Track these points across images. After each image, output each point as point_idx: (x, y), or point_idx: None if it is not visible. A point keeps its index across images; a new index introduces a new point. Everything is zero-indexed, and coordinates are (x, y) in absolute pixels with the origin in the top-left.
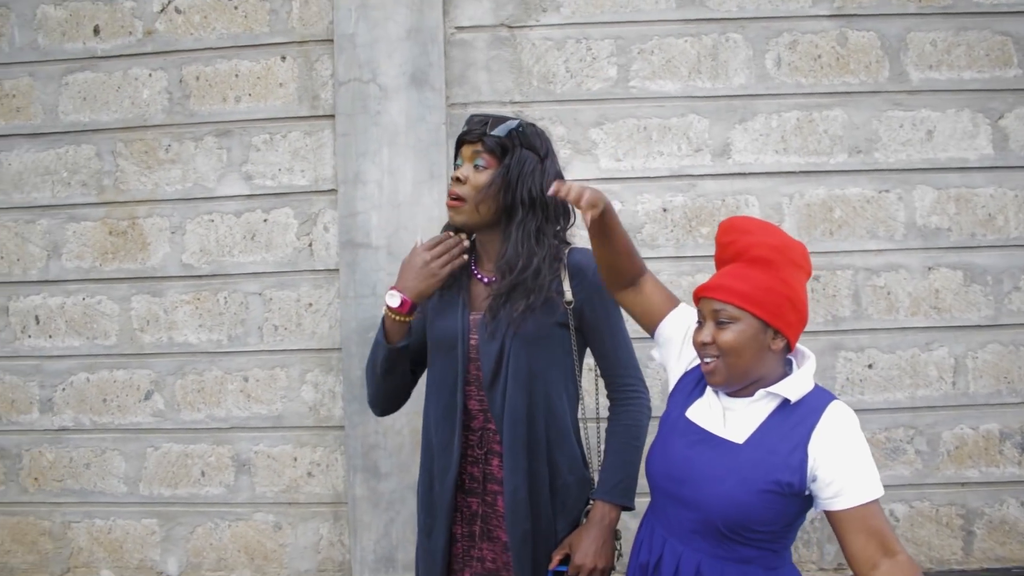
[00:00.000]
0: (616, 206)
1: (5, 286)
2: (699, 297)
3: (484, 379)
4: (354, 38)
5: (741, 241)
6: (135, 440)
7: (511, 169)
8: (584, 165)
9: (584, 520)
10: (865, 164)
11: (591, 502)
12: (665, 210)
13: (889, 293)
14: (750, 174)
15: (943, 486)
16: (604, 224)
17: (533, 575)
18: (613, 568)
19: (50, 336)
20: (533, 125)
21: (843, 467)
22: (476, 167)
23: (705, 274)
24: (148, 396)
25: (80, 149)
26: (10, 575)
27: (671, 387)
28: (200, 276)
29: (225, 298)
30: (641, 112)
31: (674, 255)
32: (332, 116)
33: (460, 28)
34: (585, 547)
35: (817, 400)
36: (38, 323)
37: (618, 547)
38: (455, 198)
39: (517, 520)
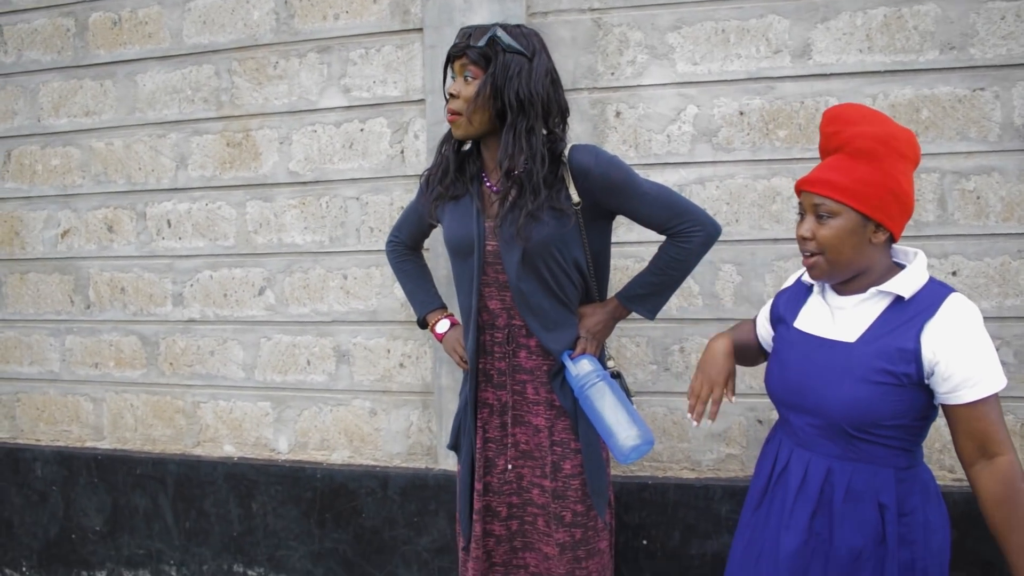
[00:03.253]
0: (692, 110)
1: (143, 193)
2: (800, 190)
3: (510, 284)
4: None
5: (845, 132)
6: (251, 331)
7: (497, 76)
8: (661, 69)
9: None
10: (959, 61)
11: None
12: (742, 113)
13: (979, 198)
14: (831, 75)
15: None
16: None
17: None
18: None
19: (180, 238)
20: (520, 26)
21: (957, 362)
22: (465, 79)
23: (781, 178)
24: (261, 292)
25: (201, 69)
26: (152, 444)
27: (768, 324)
28: (305, 183)
29: (327, 202)
30: (719, 15)
31: (750, 158)
32: (421, 29)
33: None
34: (591, 320)
35: (934, 294)
36: (169, 226)
37: (611, 363)
38: (452, 113)
39: (566, 394)
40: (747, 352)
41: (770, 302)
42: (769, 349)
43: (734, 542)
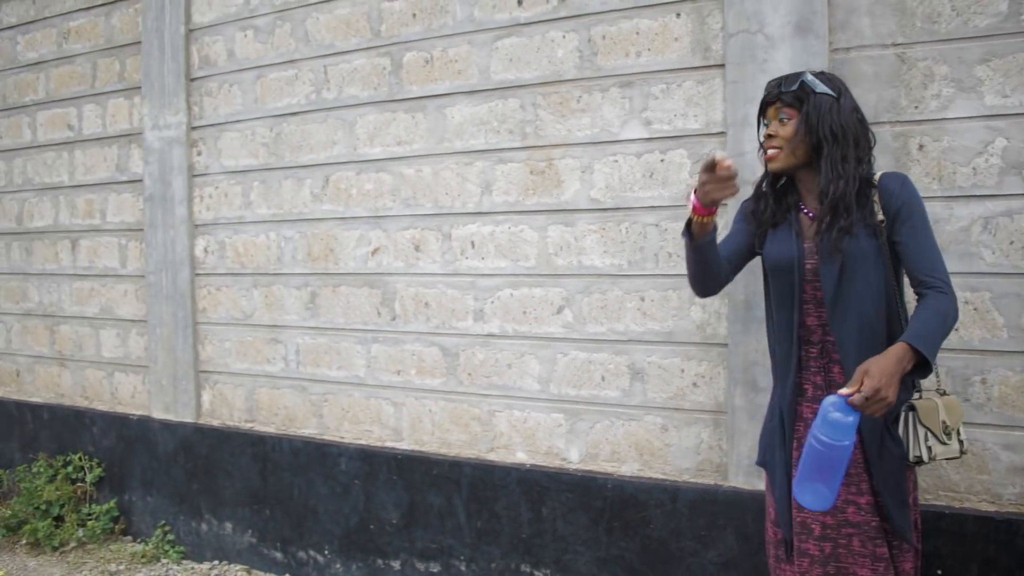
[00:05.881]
0: (1000, 143)
1: (449, 216)
2: None
3: (826, 298)
4: None
5: None
6: (548, 347)
7: (810, 114)
8: (968, 102)
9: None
10: None
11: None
12: None
13: None
14: None
15: None
16: None
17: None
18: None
19: (482, 258)
20: (822, 72)
21: None
22: (781, 121)
23: None
24: (560, 311)
25: (507, 103)
26: (448, 448)
27: None
28: (605, 209)
29: (626, 228)
30: None
31: None
32: (722, 66)
33: None
34: (878, 368)
35: None
36: (473, 247)
37: (963, 442)
38: (773, 149)
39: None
40: None
41: None
42: None
43: None
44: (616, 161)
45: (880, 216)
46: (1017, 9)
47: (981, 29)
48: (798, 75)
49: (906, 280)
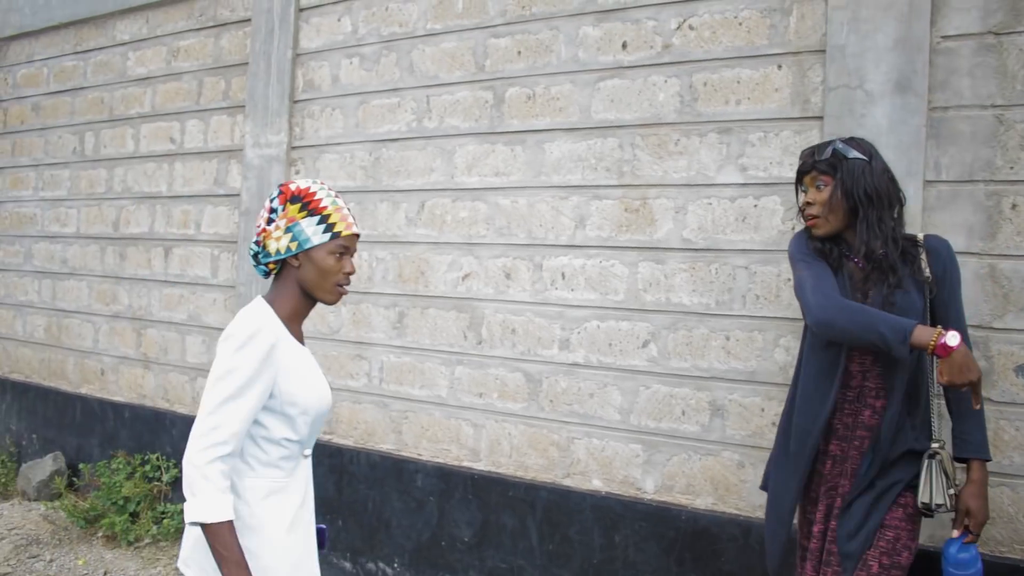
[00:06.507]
0: None
1: (541, 247)
2: None
3: None
4: (844, 48)
5: None
6: (631, 379)
7: (844, 179)
8: None
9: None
10: None
11: (966, 462)
12: None
13: None
14: None
15: None
16: None
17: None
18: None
19: (572, 289)
20: (852, 138)
21: None
22: (818, 188)
23: None
24: (645, 344)
25: (606, 141)
26: (525, 471)
27: None
28: (696, 249)
29: (716, 269)
30: None
31: None
32: (820, 118)
33: (946, 37)
34: (979, 507)
35: None
36: (563, 278)
37: (936, 445)
38: (812, 217)
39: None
40: None
41: None
42: None
43: None
44: (710, 204)
45: (928, 273)
46: None
47: None
48: (829, 143)
49: None
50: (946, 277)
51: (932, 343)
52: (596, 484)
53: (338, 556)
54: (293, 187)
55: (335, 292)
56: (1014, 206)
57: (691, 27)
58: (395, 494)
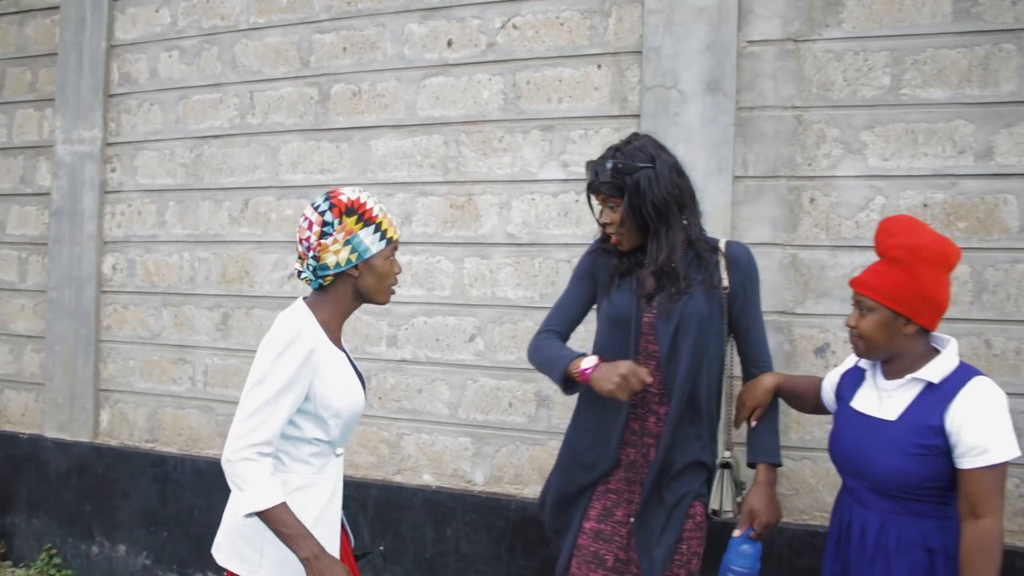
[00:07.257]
0: (880, 200)
1: None
2: (851, 287)
3: (661, 353)
4: (659, 50)
5: (885, 242)
6: (458, 374)
7: (631, 198)
8: (854, 163)
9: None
10: None
11: (753, 465)
12: (925, 206)
13: None
14: (1011, 175)
15: None
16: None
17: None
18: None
19: (399, 286)
20: (631, 137)
21: (967, 434)
22: (611, 208)
23: (962, 266)
24: (472, 339)
25: (432, 138)
26: (355, 470)
27: (832, 392)
28: (520, 244)
29: (540, 263)
30: (911, 117)
31: None
32: (637, 116)
33: (751, 42)
34: (763, 507)
35: (959, 377)
36: None
37: (727, 454)
38: (613, 235)
39: (658, 470)
40: (800, 400)
41: (838, 373)
42: (829, 408)
43: None
44: (533, 199)
45: (726, 283)
46: (897, 84)
47: (867, 99)
48: (611, 157)
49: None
50: (746, 285)
51: (576, 372)
52: (427, 479)
53: (164, 568)
54: (344, 199)
55: (390, 293)
56: (812, 200)
57: (515, 26)
58: (223, 500)
